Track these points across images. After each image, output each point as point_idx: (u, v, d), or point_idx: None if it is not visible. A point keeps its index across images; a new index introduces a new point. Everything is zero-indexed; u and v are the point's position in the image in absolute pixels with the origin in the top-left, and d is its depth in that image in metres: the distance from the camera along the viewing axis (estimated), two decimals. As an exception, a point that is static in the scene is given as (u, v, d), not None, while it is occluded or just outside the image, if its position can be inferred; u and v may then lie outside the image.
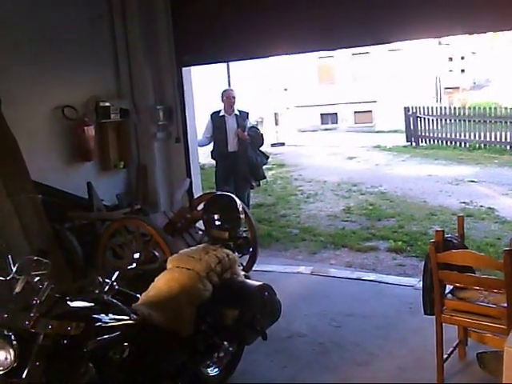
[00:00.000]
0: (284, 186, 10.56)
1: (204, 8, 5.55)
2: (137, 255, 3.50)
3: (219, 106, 7.43)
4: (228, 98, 7.25)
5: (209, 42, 5.59)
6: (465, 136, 15.25)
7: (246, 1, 5.27)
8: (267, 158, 7.96)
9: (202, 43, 5.65)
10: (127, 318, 2.58)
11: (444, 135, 15.76)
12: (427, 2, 4.39)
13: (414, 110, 16.20)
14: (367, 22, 4.65)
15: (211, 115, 7.35)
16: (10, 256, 2.49)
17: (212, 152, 7.47)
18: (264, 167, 7.91)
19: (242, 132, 7.25)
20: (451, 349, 3.43)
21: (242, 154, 7.29)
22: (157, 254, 4.22)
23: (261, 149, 7.76)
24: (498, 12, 4.09)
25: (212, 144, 7.43)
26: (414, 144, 15.97)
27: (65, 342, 2.25)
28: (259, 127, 8.50)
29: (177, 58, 5.86)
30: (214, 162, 7.71)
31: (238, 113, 7.33)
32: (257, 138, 7.60)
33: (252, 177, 7.62)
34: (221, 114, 7.29)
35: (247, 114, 7.49)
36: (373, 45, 5.28)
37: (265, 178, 8.13)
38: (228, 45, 5.54)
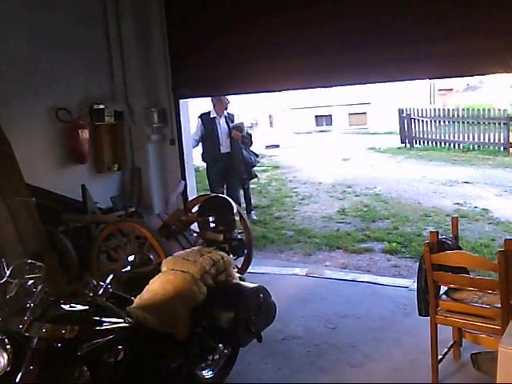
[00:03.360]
0: (279, 188, 10.55)
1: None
2: (131, 258, 3.48)
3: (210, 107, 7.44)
4: (221, 100, 7.26)
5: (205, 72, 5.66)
6: (459, 137, 15.29)
7: (242, 36, 5.33)
8: (257, 156, 8.10)
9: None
10: (122, 321, 2.57)
11: (438, 137, 15.79)
12: (423, 48, 4.50)
13: (408, 112, 16.22)
14: (362, 62, 4.76)
15: (201, 117, 7.35)
16: (3, 259, 2.48)
17: (202, 154, 7.47)
18: (258, 169, 7.99)
19: (237, 133, 7.29)
20: (446, 349, 3.45)
21: (236, 154, 7.33)
22: (151, 256, 4.21)
23: (251, 148, 7.88)
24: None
25: (201, 146, 7.45)
26: (408, 145, 15.99)
27: (59, 345, 2.24)
28: (254, 129, 8.58)
29: (171, 61, 5.86)
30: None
31: (226, 114, 7.41)
32: (248, 138, 7.71)
33: (246, 176, 7.70)
34: (211, 115, 7.31)
35: (233, 115, 7.62)
36: (368, 83, 5.44)
37: (256, 176, 8.20)
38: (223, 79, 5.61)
